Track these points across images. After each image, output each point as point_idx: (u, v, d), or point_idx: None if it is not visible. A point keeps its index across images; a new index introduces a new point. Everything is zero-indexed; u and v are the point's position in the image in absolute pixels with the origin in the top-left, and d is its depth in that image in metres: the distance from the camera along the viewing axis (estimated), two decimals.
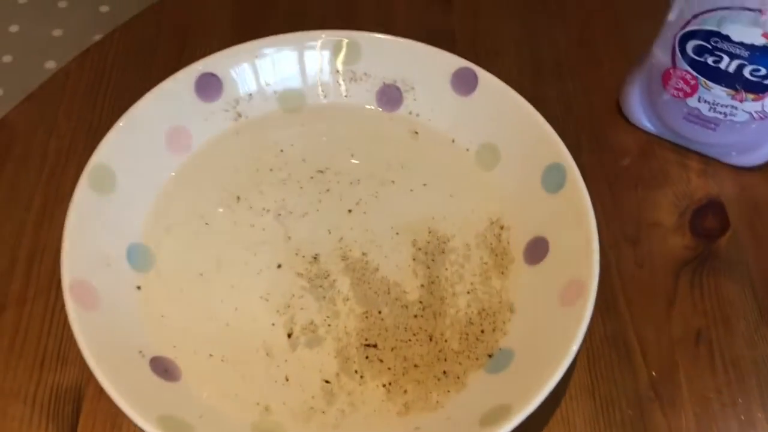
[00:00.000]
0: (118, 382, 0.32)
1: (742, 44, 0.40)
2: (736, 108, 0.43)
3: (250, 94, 0.44)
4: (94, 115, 0.48)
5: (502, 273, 0.40)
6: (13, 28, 0.73)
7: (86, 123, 0.47)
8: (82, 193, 0.37)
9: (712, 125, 0.45)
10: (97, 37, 0.79)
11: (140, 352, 0.36)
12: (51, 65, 0.78)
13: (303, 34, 0.44)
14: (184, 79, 0.42)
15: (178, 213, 0.41)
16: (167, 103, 0.41)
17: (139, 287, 0.38)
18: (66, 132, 0.47)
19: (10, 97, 0.77)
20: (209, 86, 0.43)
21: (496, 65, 0.48)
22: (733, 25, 0.39)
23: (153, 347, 0.36)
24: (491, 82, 0.43)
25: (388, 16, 0.53)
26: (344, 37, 0.44)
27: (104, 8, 0.85)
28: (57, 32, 0.80)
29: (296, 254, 0.41)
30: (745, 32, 0.39)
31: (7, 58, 0.74)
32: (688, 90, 0.44)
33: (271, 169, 0.44)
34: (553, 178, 0.40)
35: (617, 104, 0.49)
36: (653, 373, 0.39)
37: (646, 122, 0.48)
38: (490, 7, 0.55)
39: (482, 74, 0.43)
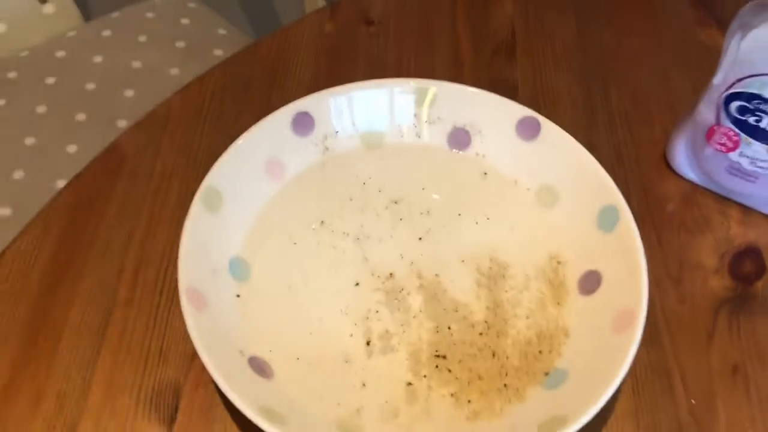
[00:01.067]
0: (226, 374, 0.37)
1: None
2: None
3: (337, 132, 0.50)
4: (194, 141, 0.54)
5: (558, 303, 0.44)
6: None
7: (187, 149, 0.53)
8: (196, 211, 0.43)
9: (752, 178, 0.49)
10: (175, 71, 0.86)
11: (240, 351, 0.41)
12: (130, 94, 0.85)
13: (392, 81, 0.50)
14: (283, 116, 0.48)
15: (272, 232, 0.47)
16: (268, 136, 0.47)
17: (238, 295, 0.44)
18: (169, 156, 0.53)
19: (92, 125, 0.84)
20: (303, 123, 0.48)
21: (554, 114, 0.53)
22: None
23: (250, 348, 0.41)
24: (553, 130, 0.48)
25: (457, 66, 0.59)
26: (428, 85, 0.50)
27: (180, 43, 0.92)
28: (137, 63, 0.87)
29: (372, 274, 0.46)
30: None
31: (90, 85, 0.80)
32: (731, 145, 0.48)
33: (351, 198, 0.49)
34: (607, 219, 0.45)
35: (664, 155, 0.54)
36: (693, 401, 0.43)
37: (690, 173, 0.53)
38: (549, 62, 0.60)
39: (545, 122, 0.49)
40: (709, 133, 0.49)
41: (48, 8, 0.93)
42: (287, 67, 0.58)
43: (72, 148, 0.81)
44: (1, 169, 0.80)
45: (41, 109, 0.85)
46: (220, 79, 0.57)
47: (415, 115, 0.51)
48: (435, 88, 0.50)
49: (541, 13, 0.63)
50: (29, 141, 0.82)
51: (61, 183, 0.78)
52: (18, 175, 0.80)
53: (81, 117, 0.84)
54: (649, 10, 0.64)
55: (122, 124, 0.84)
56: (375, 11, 0.62)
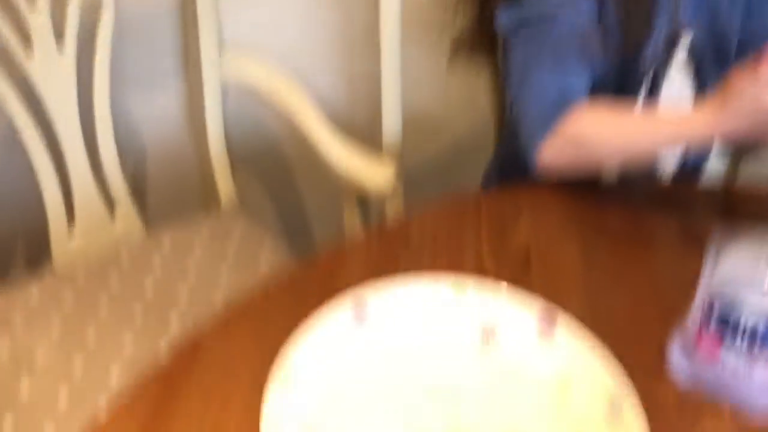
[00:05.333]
0: None
1: (754, 315, 0.54)
2: (753, 373, 0.56)
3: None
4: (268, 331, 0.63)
5: None
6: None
7: (257, 342, 0.63)
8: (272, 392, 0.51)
9: (737, 381, 0.57)
10: None
11: None
12: None
13: (437, 279, 0.61)
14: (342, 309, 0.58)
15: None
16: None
17: None
18: (239, 350, 0.62)
19: None
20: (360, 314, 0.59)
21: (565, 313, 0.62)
22: (746, 301, 0.54)
23: None
24: (569, 327, 0.58)
25: (480, 268, 0.70)
26: (463, 282, 0.61)
27: (230, 252, 1.04)
28: (191, 270, 0.98)
29: None
30: (755, 311, 0.54)
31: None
32: (715, 351, 0.57)
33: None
34: (616, 406, 0.53)
35: (663, 355, 0.63)
36: None
37: (683, 373, 0.61)
38: (561, 270, 0.71)
39: (562, 319, 0.58)
40: (697, 341, 0.59)
41: (117, 219, 1.08)
42: (338, 282, 0.69)
43: (128, 342, 0.90)
44: (63, 359, 0.88)
45: (103, 306, 0.95)
46: (280, 290, 0.68)
47: (451, 310, 0.61)
48: (470, 285, 0.61)
49: (551, 239, 0.75)
50: (89, 334, 0.91)
51: (116, 372, 0.86)
52: (78, 365, 0.88)
53: (138, 314, 0.94)
54: (647, 237, 0.75)
55: (175, 321, 0.93)
56: (414, 233, 0.75)
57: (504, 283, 0.64)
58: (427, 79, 1.17)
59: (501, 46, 0.86)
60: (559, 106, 0.75)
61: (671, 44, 0.81)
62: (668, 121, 0.72)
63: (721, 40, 0.81)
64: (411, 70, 1.03)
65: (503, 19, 0.80)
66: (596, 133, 0.74)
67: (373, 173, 0.94)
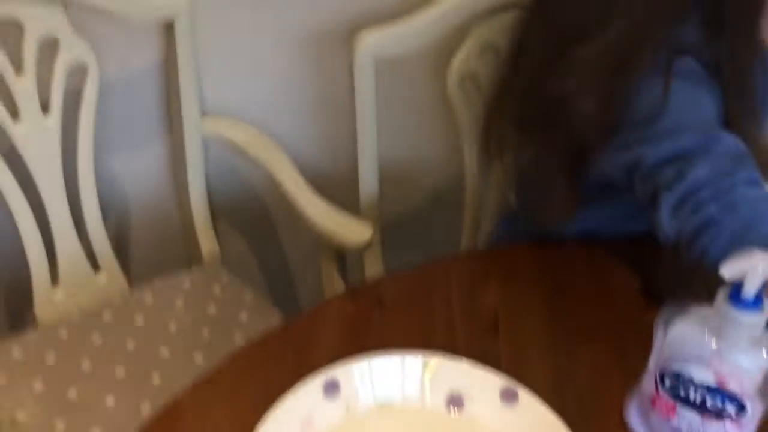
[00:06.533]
0: None
1: (702, 384, 0.57)
2: (707, 429, 0.59)
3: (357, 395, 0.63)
4: (242, 401, 0.65)
5: None
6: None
7: (231, 416, 0.65)
8: None
9: None
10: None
11: None
12: None
13: (403, 355, 0.63)
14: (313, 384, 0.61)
15: None
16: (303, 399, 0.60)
17: None
18: (219, 413, 0.64)
19: None
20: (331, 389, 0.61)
21: (529, 379, 0.65)
22: (694, 371, 0.58)
23: None
24: (530, 398, 0.61)
25: (452, 342, 0.73)
26: (430, 358, 0.64)
27: (211, 308, 1.06)
28: (172, 326, 1.00)
29: None
30: (703, 375, 0.57)
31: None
32: (669, 413, 0.61)
33: None
34: None
35: (623, 415, 0.66)
36: None
37: (642, 429, 0.64)
38: (526, 339, 0.74)
39: (522, 392, 0.61)
40: (653, 401, 0.62)
41: (100, 276, 1.10)
42: (314, 342, 0.72)
43: (111, 401, 0.92)
44: (45, 420, 0.89)
45: (86, 365, 0.97)
46: (258, 353, 0.71)
47: (419, 381, 0.64)
48: (436, 360, 0.64)
49: (519, 302, 0.78)
50: (72, 394, 0.93)
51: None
52: (60, 426, 0.89)
53: (120, 373, 0.96)
54: (610, 298, 0.79)
55: (157, 380, 0.95)
56: (387, 294, 0.78)
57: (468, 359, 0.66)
58: (402, 133, 1.21)
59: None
60: None
61: None
62: None
63: None
64: (387, 124, 1.07)
65: (646, 158, 0.70)
66: None
67: (351, 230, 0.98)
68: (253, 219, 1.27)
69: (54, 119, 1.00)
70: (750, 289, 0.52)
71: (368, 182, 1.07)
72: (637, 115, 0.73)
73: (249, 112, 1.16)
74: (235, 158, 1.17)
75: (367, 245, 0.95)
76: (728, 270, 0.53)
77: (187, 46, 1.04)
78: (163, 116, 1.14)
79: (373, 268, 1.12)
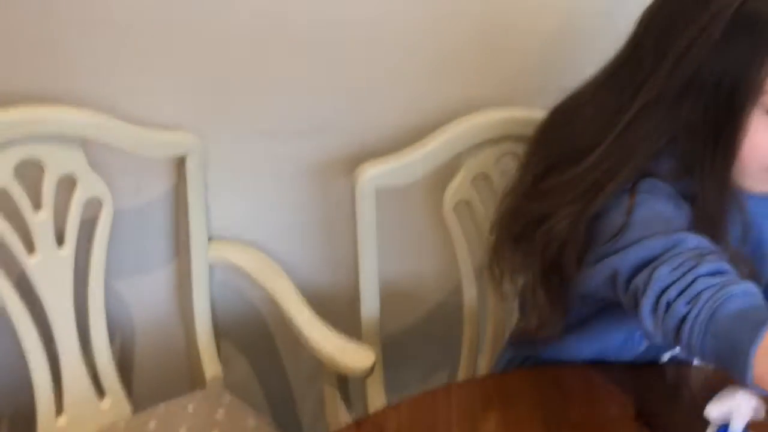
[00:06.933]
0: None
1: None
2: None
3: None
4: None
5: None
6: None
7: None
8: None
9: None
10: None
11: None
12: None
13: None
14: None
15: None
16: None
17: None
18: None
19: None
20: None
21: None
22: None
23: None
24: None
25: None
26: None
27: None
28: None
29: None
30: None
31: None
32: None
33: None
34: None
35: None
36: None
37: None
38: None
39: None
40: None
41: (105, 402, 1.11)
42: None
43: None
44: None
45: None
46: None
47: None
48: None
49: (518, 428, 0.80)
50: None
51: None
52: None
53: None
54: (605, 425, 0.81)
55: None
56: (390, 425, 0.80)
57: None
58: (401, 255, 1.25)
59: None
60: (757, 307, 0.66)
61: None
62: None
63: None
64: (387, 246, 1.12)
65: (620, 268, 0.73)
66: None
67: (353, 356, 1.00)
68: (256, 341, 1.29)
69: (68, 250, 1.04)
70: (736, 429, 0.55)
71: (370, 305, 1.11)
72: (607, 232, 0.77)
73: (254, 236, 1.20)
74: (240, 281, 1.20)
75: (370, 371, 0.98)
76: (714, 411, 0.55)
77: (198, 179, 1.10)
78: (171, 241, 1.18)
79: (375, 388, 1.14)
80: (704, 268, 0.68)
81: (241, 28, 1.05)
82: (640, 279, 0.71)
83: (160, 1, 1.00)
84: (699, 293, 0.67)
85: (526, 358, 0.99)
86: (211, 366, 1.16)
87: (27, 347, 1.04)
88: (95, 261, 1.07)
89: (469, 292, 1.14)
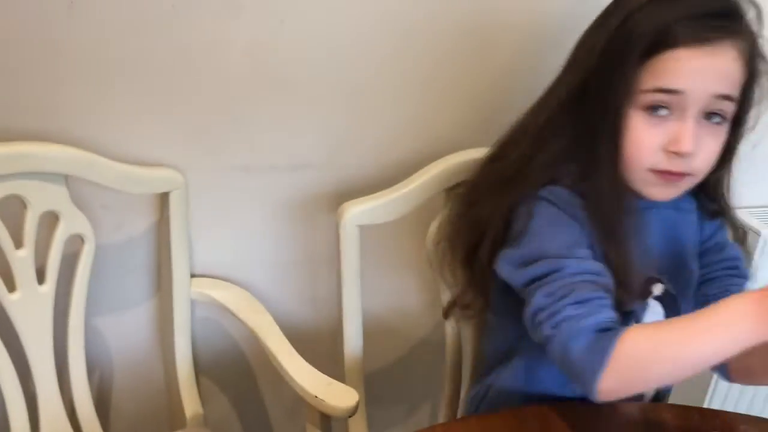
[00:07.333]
0: None
1: None
2: None
3: None
4: None
5: None
6: None
7: None
8: None
9: None
10: None
11: None
12: None
13: None
14: None
15: None
16: None
17: None
18: None
19: None
20: None
21: None
22: None
23: None
24: None
25: None
26: None
27: None
28: None
29: None
30: None
31: None
32: None
33: None
34: None
35: None
36: None
37: None
38: None
39: None
40: None
41: None
42: None
43: None
44: None
45: None
46: None
47: None
48: None
49: None
50: None
51: None
52: None
53: None
54: None
55: None
56: None
57: None
58: (385, 290, 1.26)
59: (500, 292, 0.92)
60: (608, 335, 0.75)
61: (648, 284, 0.91)
62: (715, 323, 0.73)
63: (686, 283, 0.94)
64: (370, 282, 1.12)
65: (515, 280, 0.85)
66: (653, 349, 0.74)
67: (336, 396, 0.99)
68: (237, 379, 1.28)
69: (48, 287, 1.03)
70: None
71: (353, 343, 1.10)
72: (514, 229, 0.88)
73: (236, 273, 1.20)
74: (221, 318, 1.20)
75: (353, 411, 0.97)
76: None
77: (181, 215, 1.10)
78: (153, 277, 1.18)
79: (358, 426, 1.13)
80: (571, 297, 0.78)
81: (224, 66, 1.06)
82: (528, 293, 0.82)
83: (141, 42, 1.00)
84: (561, 323, 0.78)
85: (488, 388, 1.00)
86: (191, 404, 1.15)
87: (3, 384, 1.02)
88: (76, 297, 1.06)
89: (452, 328, 1.15)
